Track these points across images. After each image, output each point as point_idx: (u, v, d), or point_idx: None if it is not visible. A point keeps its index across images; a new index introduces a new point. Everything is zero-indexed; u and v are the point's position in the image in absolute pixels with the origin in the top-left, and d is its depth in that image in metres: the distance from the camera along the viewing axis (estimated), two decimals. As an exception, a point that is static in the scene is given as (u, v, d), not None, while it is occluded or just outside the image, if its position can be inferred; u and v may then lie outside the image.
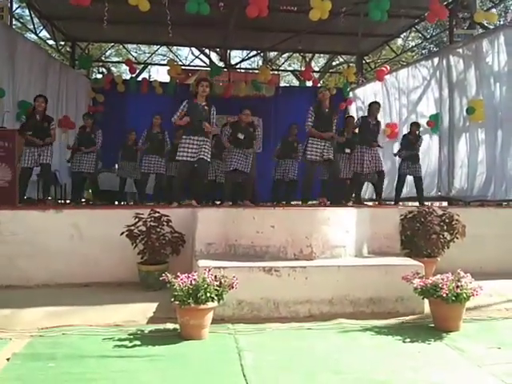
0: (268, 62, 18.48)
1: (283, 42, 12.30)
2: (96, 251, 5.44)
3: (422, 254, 5.55)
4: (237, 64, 15.86)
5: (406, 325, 4.25)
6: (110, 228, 5.37)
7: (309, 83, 14.29)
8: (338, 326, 4.15)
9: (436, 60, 10.29)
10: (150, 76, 19.97)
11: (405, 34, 13.55)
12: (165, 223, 5.28)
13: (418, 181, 8.84)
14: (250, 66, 18.34)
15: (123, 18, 10.17)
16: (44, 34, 13.00)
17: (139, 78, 13.97)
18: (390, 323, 4.27)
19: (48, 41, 13.89)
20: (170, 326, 4.02)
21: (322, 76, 19.87)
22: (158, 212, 5.31)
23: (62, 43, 13.68)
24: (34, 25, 11.76)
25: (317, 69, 19.64)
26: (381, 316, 4.43)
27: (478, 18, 9.49)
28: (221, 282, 3.86)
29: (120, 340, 3.69)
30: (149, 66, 18.66)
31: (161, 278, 3.99)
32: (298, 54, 18.75)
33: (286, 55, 18.83)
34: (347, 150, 8.71)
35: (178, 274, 3.87)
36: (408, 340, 3.81)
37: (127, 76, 14.73)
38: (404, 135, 9.29)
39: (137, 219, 5.19)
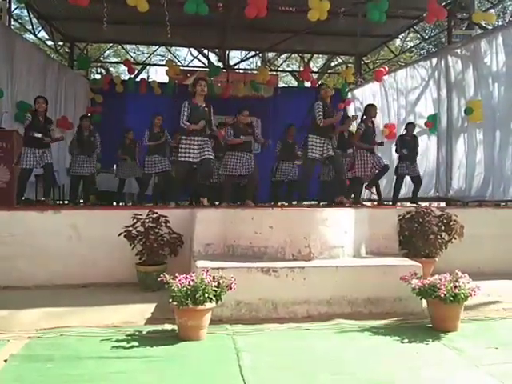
0: (266, 63, 18.50)
1: (282, 42, 12.31)
2: (94, 252, 5.45)
3: (420, 254, 5.56)
4: (235, 64, 15.89)
5: (404, 325, 4.24)
6: (108, 229, 5.37)
7: (307, 84, 14.30)
8: (336, 327, 4.15)
9: (434, 60, 10.30)
10: (148, 76, 20.00)
11: (403, 34, 13.56)
12: (163, 224, 5.29)
13: (418, 179, 8.85)
14: (248, 67, 18.33)
15: (122, 19, 10.16)
16: (42, 34, 13.02)
17: (138, 79, 14.00)
18: (388, 323, 4.27)
19: (46, 41, 13.86)
20: (168, 326, 4.02)
21: (321, 76, 19.88)
22: (156, 213, 5.32)
23: (61, 44, 13.70)
24: (32, 25, 11.77)
25: (315, 69, 19.64)
26: (379, 316, 4.43)
27: (477, 18, 9.50)
28: (219, 283, 3.86)
29: (118, 341, 3.68)
30: (147, 67, 18.66)
31: (159, 279, 3.98)
32: (296, 55, 18.77)
33: (284, 56, 18.86)
34: (349, 151, 8.74)
35: (177, 274, 3.86)
36: (406, 340, 3.81)
37: (126, 76, 14.73)
38: (400, 136, 9.25)
39: (135, 220, 5.19)
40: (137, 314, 4.37)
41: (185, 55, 22.97)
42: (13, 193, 6.48)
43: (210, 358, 3.41)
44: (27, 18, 11.90)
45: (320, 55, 19.67)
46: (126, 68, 13.58)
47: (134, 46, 18.52)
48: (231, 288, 3.91)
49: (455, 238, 5.76)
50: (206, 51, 17.59)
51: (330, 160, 7.54)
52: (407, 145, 8.78)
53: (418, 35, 14.83)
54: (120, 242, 5.16)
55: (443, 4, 9.73)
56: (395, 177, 9.02)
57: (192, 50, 18.14)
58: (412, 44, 17.35)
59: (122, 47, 17.01)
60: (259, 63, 19.33)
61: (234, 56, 18.59)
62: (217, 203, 7.91)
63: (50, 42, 13.52)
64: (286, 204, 8.94)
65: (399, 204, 8.94)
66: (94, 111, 12.32)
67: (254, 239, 5.04)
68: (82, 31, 12.11)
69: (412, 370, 3.23)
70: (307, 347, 3.66)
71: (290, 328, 4.12)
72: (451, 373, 3.21)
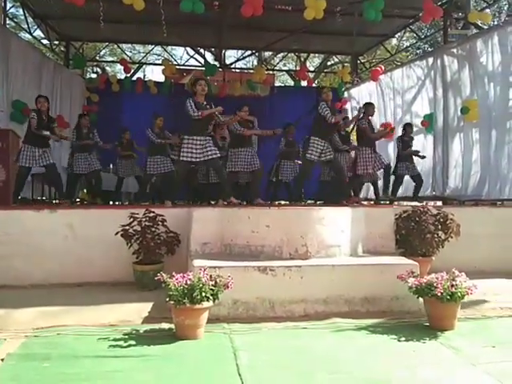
0: (263, 62, 18.50)
1: (278, 41, 12.31)
2: (91, 251, 5.44)
3: (417, 253, 5.57)
4: (232, 64, 15.85)
5: (401, 324, 4.25)
6: (104, 228, 5.36)
7: (304, 83, 14.32)
8: (333, 326, 4.15)
9: (430, 60, 10.33)
10: (144, 76, 19.99)
11: (399, 34, 13.64)
12: (160, 223, 5.28)
13: (419, 178, 8.89)
14: (244, 66, 18.35)
15: (118, 18, 10.13)
16: (38, 33, 12.96)
17: (134, 78, 13.96)
18: (385, 322, 4.27)
19: (42, 40, 13.83)
20: (165, 325, 4.01)
21: (317, 76, 19.90)
22: (153, 212, 5.31)
23: (56, 43, 13.65)
24: (28, 24, 11.72)
25: (312, 69, 19.65)
26: (376, 315, 4.44)
27: (472, 18, 9.54)
28: (216, 282, 3.85)
29: (115, 340, 3.67)
30: (143, 66, 18.62)
31: (156, 278, 3.97)
32: (292, 54, 18.78)
33: (280, 55, 18.85)
34: (345, 147, 8.81)
35: (173, 273, 3.86)
36: (403, 339, 3.82)
37: (122, 76, 14.69)
38: (399, 137, 9.29)
39: (132, 219, 5.19)
40: (134, 313, 4.36)
41: (181, 54, 22.90)
42: (9, 192, 6.46)
43: (208, 357, 3.40)
44: (23, 17, 11.87)
45: (316, 54, 19.69)
46: (122, 67, 13.57)
47: (130, 45, 18.49)
48: (228, 287, 3.90)
49: (452, 237, 5.78)
50: (202, 50, 17.59)
51: (329, 164, 7.58)
52: (407, 145, 8.87)
53: (414, 35, 14.88)
54: (117, 241, 5.15)
55: (439, 3, 9.75)
56: (393, 176, 9.03)
57: (188, 49, 18.12)
58: (408, 43, 17.43)
59: (118, 46, 16.97)
60: (255, 62, 19.35)
61: (231, 55, 18.59)
62: (219, 202, 7.81)
63: (45, 41, 13.47)
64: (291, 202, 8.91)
65: (396, 203, 8.96)
66: (89, 110, 12.25)
67: (251, 238, 5.04)
68: (78, 30, 12.07)
69: (409, 368, 3.23)
70: (304, 346, 3.66)
71: (287, 327, 4.12)
72: (448, 371, 3.21)
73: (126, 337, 3.75)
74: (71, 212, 5.90)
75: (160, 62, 15.11)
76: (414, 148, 9.17)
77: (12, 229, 5.38)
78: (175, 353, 3.47)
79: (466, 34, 10.26)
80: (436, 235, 5.66)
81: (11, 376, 3.04)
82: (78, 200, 9.61)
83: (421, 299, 4.21)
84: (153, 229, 5.19)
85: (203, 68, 13.87)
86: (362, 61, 15.04)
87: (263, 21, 9.67)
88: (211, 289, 3.79)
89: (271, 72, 16.78)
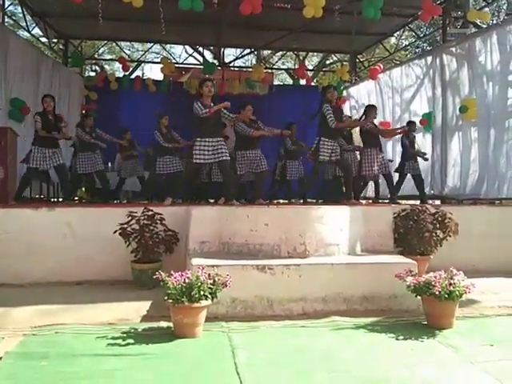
0: (262, 61, 18.47)
1: (277, 40, 12.28)
2: (89, 249, 5.44)
3: (415, 251, 5.58)
4: (230, 62, 15.81)
5: (399, 322, 4.25)
6: (103, 226, 5.36)
7: (302, 82, 14.30)
8: (331, 324, 4.15)
9: (429, 59, 10.32)
10: (143, 74, 19.97)
11: (398, 32, 13.56)
12: (158, 221, 5.28)
13: (420, 178, 8.88)
14: (243, 64, 18.34)
15: (116, 16, 10.10)
16: (36, 31, 12.90)
17: (132, 76, 13.93)
18: (384, 321, 4.28)
19: (40, 38, 13.79)
20: (163, 324, 4.01)
21: (316, 74, 19.88)
22: (152, 210, 5.30)
23: (55, 41, 13.61)
24: (26, 22, 11.68)
25: (310, 67, 19.60)
26: (374, 313, 4.44)
27: (471, 17, 9.52)
28: (214, 280, 3.86)
29: (113, 338, 3.68)
30: (142, 64, 18.60)
31: (154, 277, 3.97)
32: (291, 53, 18.74)
33: (279, 53, 18.81)
34: (349, 147, 8.89)
35: (172, 272, 3.86)
36: (401, 337, 3.82)
37: (120, 74, 14.69)
38: (403, 136, 9.24)
39: (130, 217, 5.18)
40: (132, 311, 4.37)
41: (180, 53, 22.97)
42: (8, 190, 6.44)
43: (206, 356, 3.40)
44: (21, 15, 11.78)
45: (315, 53, 19.67)
46: (121, 65, 13.54)
47: (128, 43, 18.42)
48: (226, 285, 3.91)
49: (450, 236, 5.79)
50: (201, 48, 17.55)
51: (337, 163, 7.65)
52: (413, 144, 8.89)
53: (413, 33, 14.88)
54: (115, 240, 5.15)
55: (438, 2, 9.75)
56: (397, 174, 8.99)
57: (187, 47, 18.08)
58: (407, 42, 17.39)
59: (117, 44, 16.91)
60: (254, 61, 19.31)
61: (229, 53, 18.50)
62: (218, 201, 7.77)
63: (44, 39, 13.43)
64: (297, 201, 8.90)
65: (403, 202, 8.94)
66: (88, 108, 12.24)
67: (250, 237, 5.04)
68: (77, 28, 12.03)
69: (407, 367, 3.24)
70: (303, 344, 3.66)
71: (285, 325, 4.12)
72: (446, 370, 3.22)
73: (125, 335, 3.75)
74: (69, 210, 5.90)
75: (159, 60, 15.09)
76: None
77: (11, 227, 5.39)
78: (173, 351, 3.47)
79: (464, 32, 10.26)
80: (434, 234, 5.67)
81: (9, 375, 3.04)
82: (76, 198, 9.57)
83: (419, 298, 4.22)
84: (151, 227, 5.19)
85: (202, 66, 13.85)
86: (361, 59, 15.03)
87: (262, 19, 9.63)
88: (209, 287, 3.79)
89: (270, 70, 16.77)
